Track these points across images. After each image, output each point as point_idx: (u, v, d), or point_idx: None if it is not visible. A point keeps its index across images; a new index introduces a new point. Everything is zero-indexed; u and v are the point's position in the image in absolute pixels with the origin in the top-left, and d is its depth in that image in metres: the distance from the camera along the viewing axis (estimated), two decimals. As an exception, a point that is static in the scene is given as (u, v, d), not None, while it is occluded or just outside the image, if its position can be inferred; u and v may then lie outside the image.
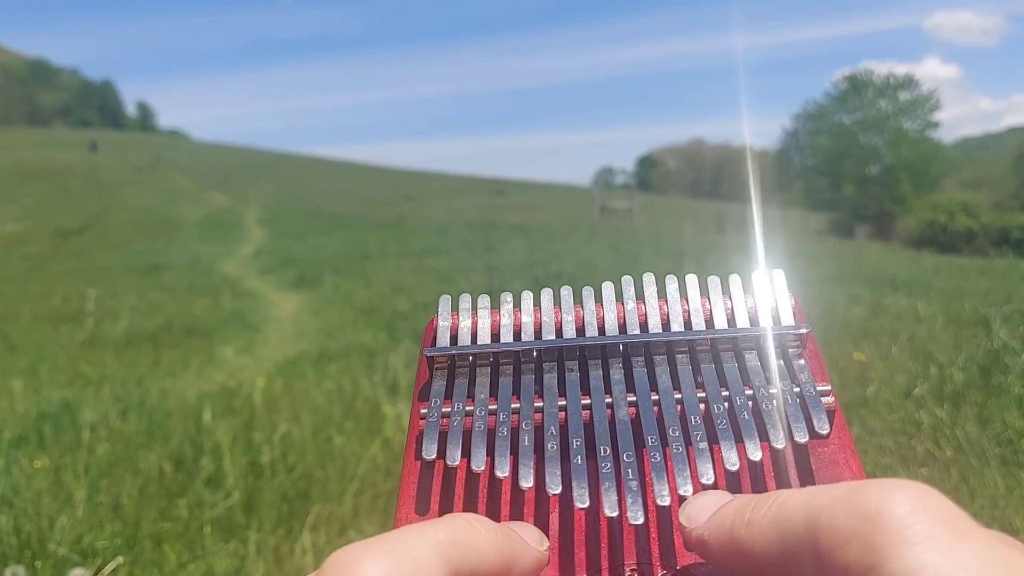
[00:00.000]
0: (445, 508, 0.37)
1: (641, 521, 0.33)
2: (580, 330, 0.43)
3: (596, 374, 0.41)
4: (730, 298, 0.43)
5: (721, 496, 0.32)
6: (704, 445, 0.35)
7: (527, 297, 0.45)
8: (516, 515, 0.37)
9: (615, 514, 0.33)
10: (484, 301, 0.45)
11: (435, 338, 0.44)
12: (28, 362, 5.60)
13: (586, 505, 0.34)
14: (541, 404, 0.39)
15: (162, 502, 2.69)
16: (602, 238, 14.72)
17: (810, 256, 10.43)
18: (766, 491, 0.35)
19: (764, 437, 0.36)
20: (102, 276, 10.84)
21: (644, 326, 0.43)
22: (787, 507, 0.27)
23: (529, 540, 0.32)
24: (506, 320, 0.44)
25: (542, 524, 0.36)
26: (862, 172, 30.95)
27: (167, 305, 8.14)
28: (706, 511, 0.31)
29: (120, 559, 2.21)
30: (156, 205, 22.73)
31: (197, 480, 2.84)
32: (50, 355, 5.90)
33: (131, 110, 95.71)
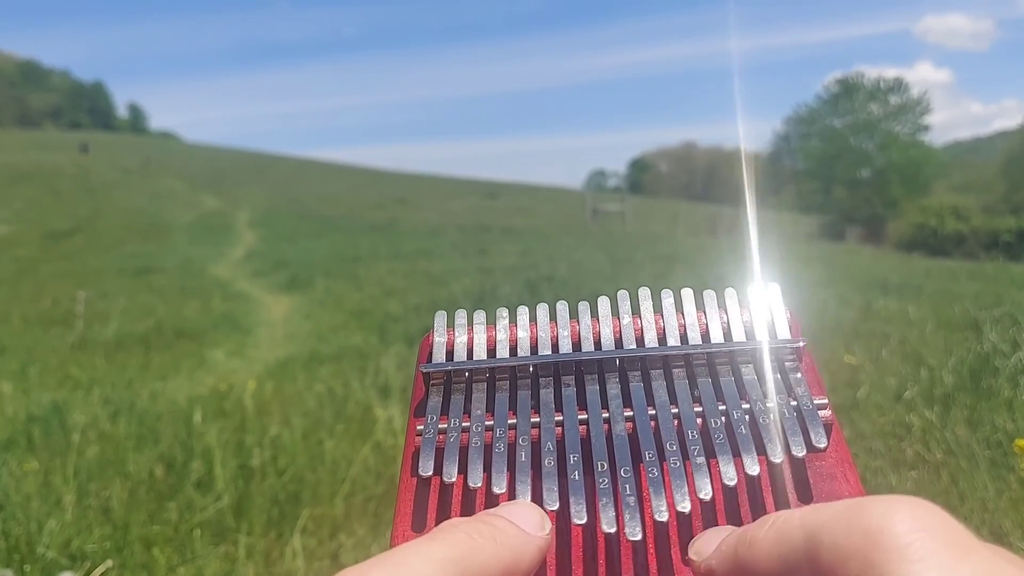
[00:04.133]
0: None
1: (639, 537, 0.32)
2: (576, 345, 0.43)
3: (593, 389, 0.41)
4: (726, 312, 0.43)
5: (727, 530, 0.32)
6: (702, 460, 0.35)
7: (523, 312, 0.45)
8: None
9: (613, 530, 0.33)
10: (480, 316, 0.45)
11: (431, 354, 0.44)
12: (18, 364, 5.57)
13: (584, 521, 0.33)
14: (538, 419, 0.39)
15: (152, 505, 2.67)
16: (594, 241, 14.74)
17: (801, 259, 10.46)
18: (764, 505, 0.35)
19: (762, 451, 0.36)
20: (92, 278, 10.80)
21: (640, 340, 0.43)
22: (787, 525, 0.27)
23: (529, 526, 0.31)
24: (502, 335, 0.44)
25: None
26: (853, 175, 31.10)
27: (158, 307, 8.11)
28: (713, 543, 0.31)
29: (109, 562, 2.20)
30: (147, 207, 22.66)
31: (187, 483, 2.82)
32: (40, 357, 5.87)
33: (122, 112, 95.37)
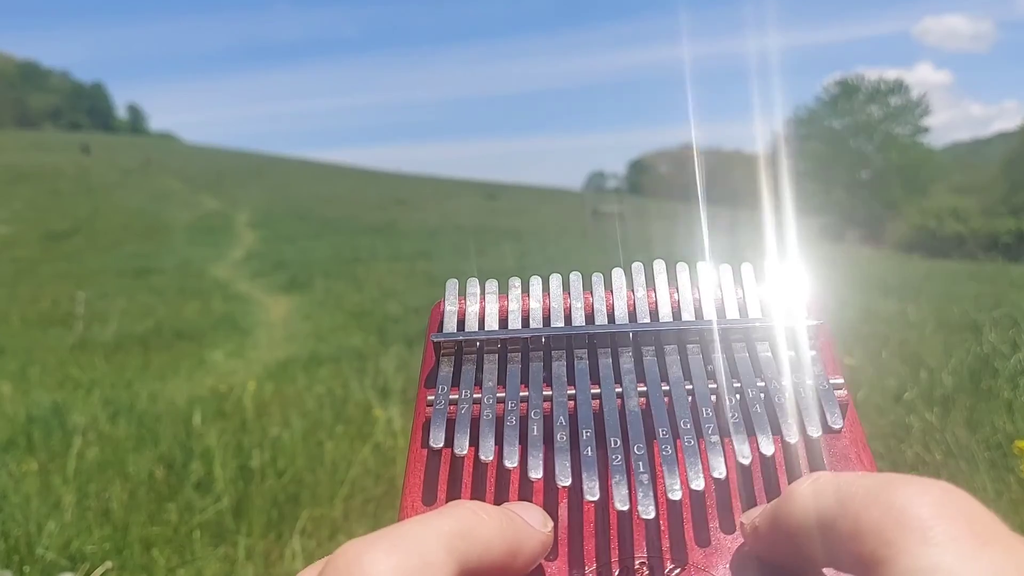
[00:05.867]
0: (452, 498, 0.37)
1: (652, 516, 0.32)
2: (589, 317, 0.42)
3: (606, 363, 0.40)
4: (742, 287, 0.43)
5: None
6: (716, 438, 0.35)
7: (535, 283, 0.44)
8: None
9: (626, 508, 0.32)
10: (492, 286, 0.44)
11: (442, 323, 0.43)
12: (17, 365, 5.57)
13: (596, 498, 0.33)
14: (550, 393, 0.39)
15: (151, 506, 2.67)
16: (594, 242, 14.74)
17: (799, 260, 10.44)
18: (778, 485, 0.35)
19: (776, 431, 0.36)
20: (92, 279, 10.79)
21: (655, 314, 0.42)
22: (827, 484, 0.27)
23: (533, 522, 0.31)
24: (514, 306, 0.43)
25: (550, 515, 0.35)
26: (852, 177, 31.13)
27: (157, 308, 8.11)
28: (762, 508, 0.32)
29: (109, 564, 2.19)
30: (146, 208, 22.66)
31: (187, 484, 2.82)
32: (39, 358, 5.87)
33: (122, 113, 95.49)
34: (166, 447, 3.21)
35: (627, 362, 0.40)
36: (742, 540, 0.34)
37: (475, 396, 0.39)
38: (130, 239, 16.37)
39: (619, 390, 0.38)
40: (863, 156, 31.34)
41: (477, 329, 0.42)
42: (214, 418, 3.62)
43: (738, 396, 0.37)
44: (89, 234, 17.31)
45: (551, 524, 0.32)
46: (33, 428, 3.54)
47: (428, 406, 0.39)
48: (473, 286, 0.44)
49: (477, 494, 0.37)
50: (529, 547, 0.30)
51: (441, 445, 0.37)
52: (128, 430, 3.49)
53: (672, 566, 0.33)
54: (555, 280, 0.44)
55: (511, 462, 0.35)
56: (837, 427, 0.36)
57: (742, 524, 0.32)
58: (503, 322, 0.43)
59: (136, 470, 2.94)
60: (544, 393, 0.39)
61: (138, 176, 32.64)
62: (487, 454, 0.36)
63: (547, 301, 0.43)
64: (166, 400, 4.15)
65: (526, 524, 0.31)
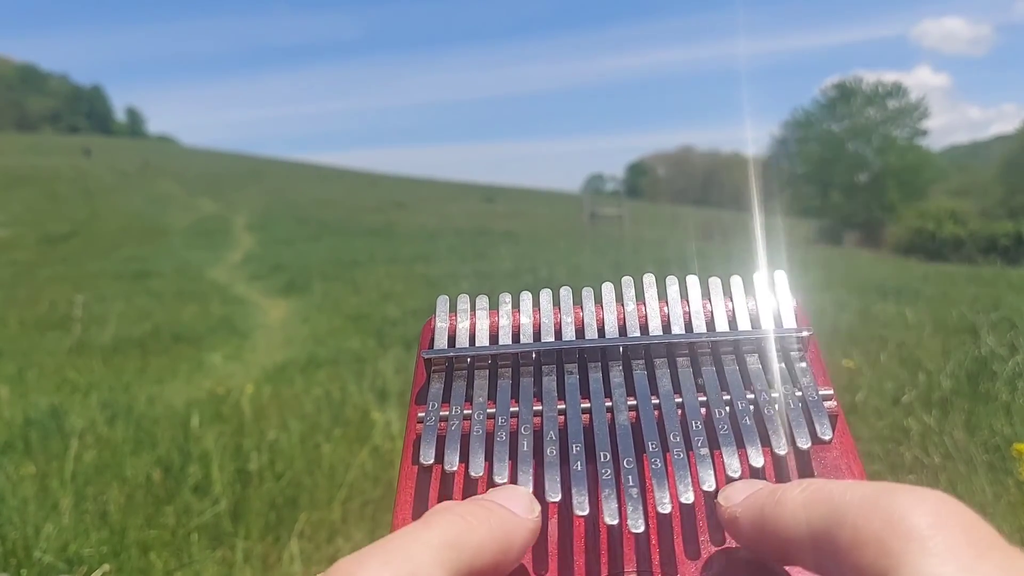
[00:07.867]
0: None
1: (642, 529, 0.32)
2: (579, 332, 0.43)
3: (596, 377, 0.40)
4: (731, 300, 0.43)
5: (758, 483, 0.32)
6: (705, 451, 0.35)
7: (526, 298, 0.44)
8: None
9: (615, 522, 0.33)
10: (482, 302, 0.44)
11: (433, 339, 0.43)
12: (15, 368, 5.56)
13: (586, 513, 0.33)
14: (540, 408, 0.39)
15: (149, 509, 2.66)
16: (592, 245, 14.74)
17: (798, 263, 10.45)
18: None
19: (766, 442, 0.36)
20: (90, 282, 10.78)
21: (644, 328, 0.42)
22: (818, 493, 0.27)
23: (519, 510, 0.31)
24: (504, 321, 0.43)
25: (540, 529, 0.35)
26: (850, 180, 31.18)
27: (155, 311, 8.09)
28: (742, 493, 0.32)
29: (106, 567, 2.19)
30: (145, 211, 22.65)
31: (184, 487, 2.81)
32: (37, 361, 5.86)
33: (120, 116, 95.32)
34: (164, 450, 3.21)
35: (617, 376, 0.40)
36: (733, 548, 0.34)
37: (465, 412, 0.39)
38: (128, 242, 16.35)
39: (609, 404, 0.38)
40: (861, 159, 31.40)
41: (468, 345, 0.42)
42: (212, 421, 3.62)
43: (727, 408, 0.38)
44: (87, 237, 17.30)
45: (538, 508, 0.32)
46: (31, 431, 3.54)
47: (419, 423, 0.39)
48: (463, 302, 0.44)
49: None
50: (519, 541, 0.30)
51: (431, 462, 0.37)
52: (126, 433, 3.49)
53: None
54: (545, 295, 0.44)
55: (501, 478, 0.35)
56: (827, 438, 0.36)
57: (719, 504, 0.32)
58: (493, 338, 0.43)
59: (134, 473, 2.94)
60: (534, 408, 0.39)
61: (136, 179, 32.62)
62: (477, 470, 0.36)
63: (537, 316, 0.43)
64: (164, 403, 4.14)
65: (513, 516, 0.31)
